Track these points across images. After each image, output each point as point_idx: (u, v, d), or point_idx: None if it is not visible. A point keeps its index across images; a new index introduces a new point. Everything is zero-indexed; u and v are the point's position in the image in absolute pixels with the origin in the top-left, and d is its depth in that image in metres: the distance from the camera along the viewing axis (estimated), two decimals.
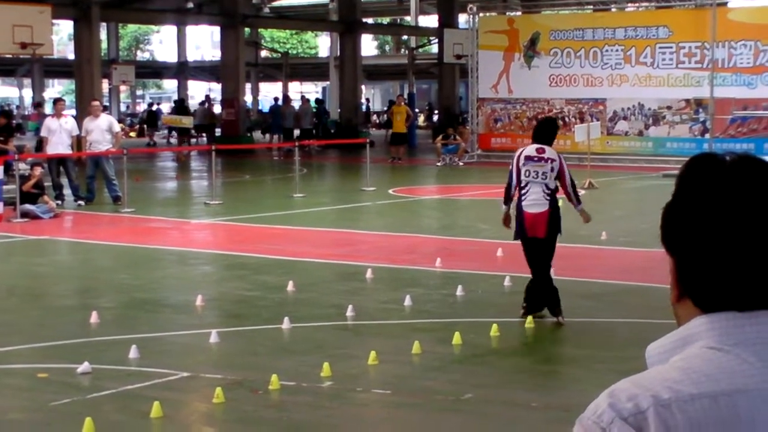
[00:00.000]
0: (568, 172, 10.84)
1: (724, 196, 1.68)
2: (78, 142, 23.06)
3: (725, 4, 32.40)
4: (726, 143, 29.75)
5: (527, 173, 10.67)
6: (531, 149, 10.84)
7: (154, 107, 57.77)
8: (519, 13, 39.73)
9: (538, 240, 10.72)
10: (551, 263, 10.84)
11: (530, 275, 10.91)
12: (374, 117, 66.55)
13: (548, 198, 10.66)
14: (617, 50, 32.43)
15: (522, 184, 10.70)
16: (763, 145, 29.78)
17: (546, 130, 11.04)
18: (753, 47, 29.95)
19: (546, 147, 10.80)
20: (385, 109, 59.54)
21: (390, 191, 24.71)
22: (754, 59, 29.96)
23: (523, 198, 10.70)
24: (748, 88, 30.03)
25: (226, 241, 17.37)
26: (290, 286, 12.26)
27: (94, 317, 10.60)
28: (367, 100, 72.67)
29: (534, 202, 10.64)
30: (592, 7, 38.69)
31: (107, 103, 54.32)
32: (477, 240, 16.48)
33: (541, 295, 10.65)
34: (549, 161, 10.69)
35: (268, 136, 47.98)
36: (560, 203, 11.04)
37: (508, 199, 10.96)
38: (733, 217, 1.67)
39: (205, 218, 20.12)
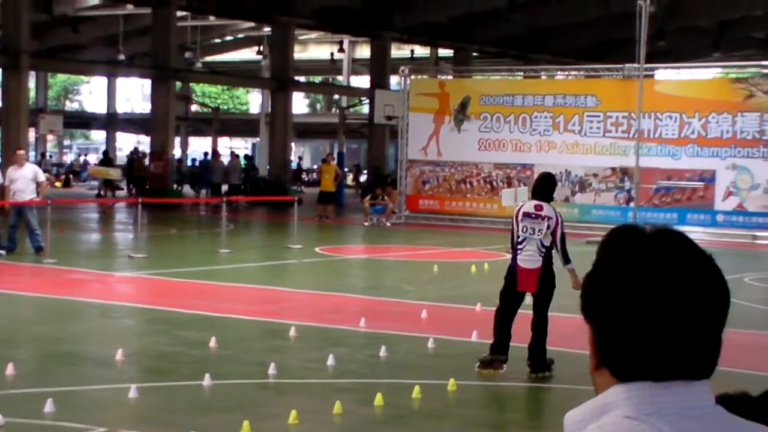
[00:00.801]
0: (562, 230, 11.16)
1: (642, 268, 1.71)
2: (1, 190, 22.74)
3: (652, 76, 33.02)
4: (650, 212, 30.20)
5: (524, 229, 11.14)
6: (529, 206, 11.33)
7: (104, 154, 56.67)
8: (450, 77, 40.12)
9: (523, 295, 11.04)
10: (546, 322, 11.06)
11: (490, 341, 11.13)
12: (304, 175, 66.57)
13: (542, 254, 11.07)
14: (546, 117, 32.85)
15: (519, 239, 11.16)
16: (686, 215, 30.29)
17: (543, 186, 11.54)
18: (678, 119, 30.53)
19: (544, 204, 11.25)
20: (315, 167, 59.68)
21: (317, 249, 24.66)
22: (678, 131, 30.53)
23: (519, 252, 11.18)
24: (672, 158, 30.57)
25: (150, 295, 17.18)
26: (212, 342, 12.15)
27: (10, 369, 10.39)
28: (300, 158, 72.82)
29: (529, 257, 11.11)
30: (522, 73, 39.25)
31: (34, 152, 53.73)
32: (402, 301, 16.47)
33: (538, 351, 10.85)
34: (546, 219, 11.12)
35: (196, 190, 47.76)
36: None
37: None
38: (650, 289, 1.69)
39: (128, 271, 19.91)
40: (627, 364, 1.71)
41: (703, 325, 1.70)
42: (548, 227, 11.07)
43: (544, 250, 11.08)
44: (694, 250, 1.74)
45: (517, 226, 11.20)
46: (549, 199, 11.37)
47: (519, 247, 11.17)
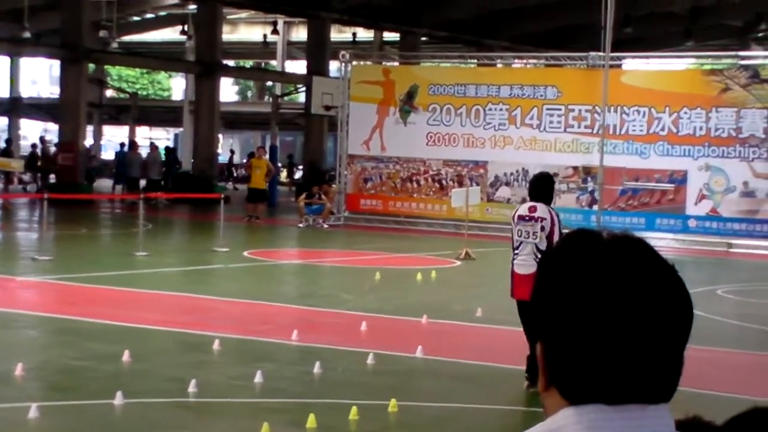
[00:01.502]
0: (560, 231, 11.41)
1: (595, 278, 1.70)
2: None
3: (619, 66, 33.29)
4: (615, 216, 30.42)
5: (519, 233, 11.59)
6: (524, 208, 11.79)
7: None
8: (396, 64, 40.20)
9: (525, 303, 11.01)
10: None
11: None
12: (234, 170, 66.37)
13: (537, 260, 11.25)
14: (501, 109, 32.98)
15: (516, 244, 11.60)
16: (655, 220, 30.57)
17: (538, 186, 11.94)
18: (647, 114, 30.78)
19: (539, 205, 11.61)
20: (245, 161, 59.43)
21: (245, 253, 24.59)
22: (647, 127, 30.77)
23: (515, 257, 11.60)
24: (640, 157, 30.81)
25: (55, 302, 17.03)
26: (125, 356, 12.06)
27: None
28: (231, 151, 72.58)
29: (523, 262, 11.47)
30: (475, 61, 39.39)
31: None
32: (339, 311, 16.47)
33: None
34: (539, 220, 11.45)
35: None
36: None
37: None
38: (603, 302, 1.68)
39: (31, 275, 19.71)
40: (578, 385, 1.70)
41: (661, 342, 1.69)
42: (542, 229, 11.42)
43: (539, 255, 11.29)
44: (654, 259, 1.73)
45: (514, 230, 11.66)
46: (547, 200, 11.75)
47: (516, 251, 11.61)
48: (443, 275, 21.51)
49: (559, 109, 32.08)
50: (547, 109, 32.26)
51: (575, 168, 31.93)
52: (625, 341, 1.68)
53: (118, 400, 10.04)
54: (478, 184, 32.04)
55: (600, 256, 1.72)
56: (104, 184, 50.50)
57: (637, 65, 36.56)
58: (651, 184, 30.80)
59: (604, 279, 1.70)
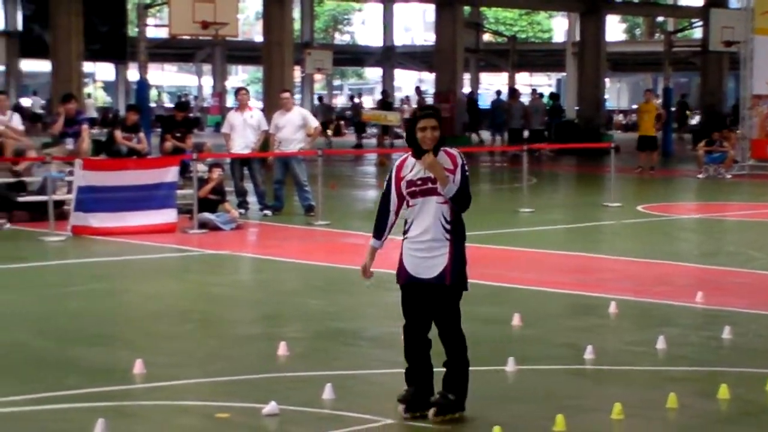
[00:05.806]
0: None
1: None
2: (266, 140, 23.64)
3: None
4: None
5: None
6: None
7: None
8: None
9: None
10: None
11: None
12: (620, 116, 65.96)
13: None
14: None
15: None
16: None
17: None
18: None
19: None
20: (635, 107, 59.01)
21: (639, 208, 24.47)
22: None
23: None
24: None
25: None
26: (515, 320, 12.25)
27: (282, 349, 10.81)
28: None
29: None
30: None
31: (299, 95, 55.09)
32: (748, 271, 16.15)
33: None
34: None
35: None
36: None
37: None
38: None
39: None
40: None
41: None
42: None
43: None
44: None
45: None
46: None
47: None
48: None
49: None
50: None
51: None
52: None
53: (510, 366, 10.21)
54: None
55: None
56: (483, 136, 51.30)
57: None
58: None
59: None
